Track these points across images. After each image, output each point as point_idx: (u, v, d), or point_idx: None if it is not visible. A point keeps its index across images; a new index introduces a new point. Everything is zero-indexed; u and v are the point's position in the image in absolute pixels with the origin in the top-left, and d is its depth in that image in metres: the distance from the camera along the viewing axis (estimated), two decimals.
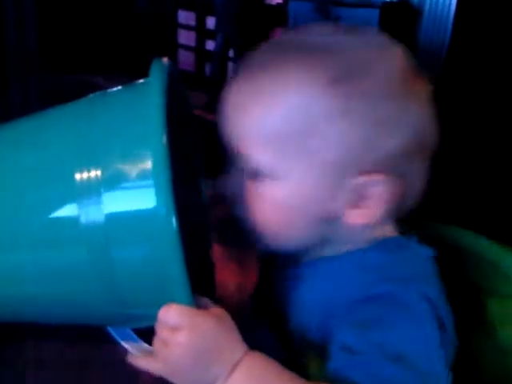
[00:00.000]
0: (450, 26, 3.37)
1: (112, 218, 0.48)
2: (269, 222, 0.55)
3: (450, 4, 3.37)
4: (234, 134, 0.54)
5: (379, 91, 0.51)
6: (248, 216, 0.56)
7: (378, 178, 0.52)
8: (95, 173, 0.48)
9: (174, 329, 0.49)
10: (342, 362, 0.50)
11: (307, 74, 0.51)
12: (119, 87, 0.57)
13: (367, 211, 0.53)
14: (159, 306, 0.50)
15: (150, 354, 0.55)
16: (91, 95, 0.57)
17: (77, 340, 0.62)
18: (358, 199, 0.53)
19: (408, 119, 0.52)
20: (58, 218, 0.50)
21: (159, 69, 0.51)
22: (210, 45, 4.69)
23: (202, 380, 0.50)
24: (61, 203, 0.50)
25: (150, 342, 0.55)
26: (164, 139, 0.46)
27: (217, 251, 0.62)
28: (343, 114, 0.51)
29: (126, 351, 0.59)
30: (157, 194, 0.46)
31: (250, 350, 0.50)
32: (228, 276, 0.60)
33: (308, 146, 0.52)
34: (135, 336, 0.60)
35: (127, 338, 0.60)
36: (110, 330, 0.60)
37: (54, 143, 0.53)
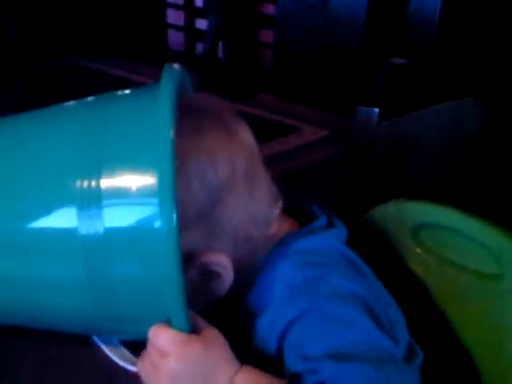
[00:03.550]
0: (439, 1, 3.34)
1: (111, 231, 0.47)
2: None
3: None
4: None
5: None
6: None
7: (204, 257, 0.52)
8: (98, 184, 0.47)
9: (163, 353, 0.49)
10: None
11: None
12: (128, 91, 0.55)
13: (220, 280, 0.54)
14: (153, 323, 0.50)
15: (132, 360, 0.56)
16: (100, 98, 0.55)
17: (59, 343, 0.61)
18: (207, 276, 0.53)
19: (183, 190, 0.50)
20: (56, 227, 0.49)
21: (170, 84, 0.49)
22: (200, 23, 4.64)
23: None
24: (60, 212, 0.49)
25: (135, 348, 0.55)
26: (172, 163, 0.45)
27: None
28: None
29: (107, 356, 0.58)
30: (161, 213, 0.45)
31: (241, 366, 0.50)
32: None
33: None
34: (117, 342, 0.59)
35: (110, 343, 0.59)
36: (97, 340, 0.59)
37: (58, 149, 0.52)
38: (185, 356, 0.48)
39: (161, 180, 0.45)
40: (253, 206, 0.55)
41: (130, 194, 0.47)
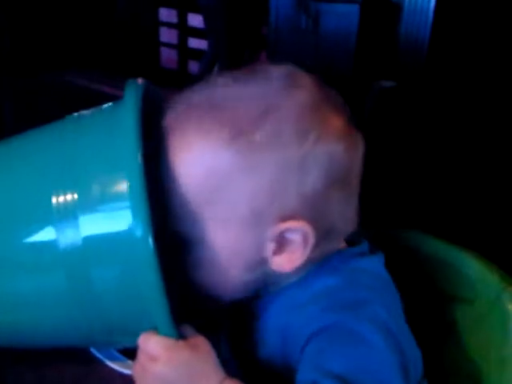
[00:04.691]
0: (430, 20, 3.39)
1: (90, 241, 0.48)
2: (205, 285, 0.56)
3: None
4: None
5: (277, 140, 0.51)
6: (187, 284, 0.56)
7: (296, 223, 0.52)
8: (72, 196, 0.48)
9: (152, 358, 0.51)
10: None
11: (207, 135, 0.52)
12: (96, 109, 0.56)
13: (292, 256, 0.54)
14: (140, 332, 0.51)
15: (128, 365, 0.58)
16: (68, 118, 0.56)
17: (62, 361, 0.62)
18: (282, 246, 0.54)
19: (315, 160, 0.52)
20: (35, 242, 0.50)
21: (134, 93, 0.51)
22: (193, 42, 4.68)
23: None
24: (38, 227, 0.50)
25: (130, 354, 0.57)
26: (140, 166, 0.46)
27: None
28: (247, 169, 0.51)
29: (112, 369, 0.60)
30: (134, 217, 0.45)
31: (227, 377, 0.51)
32: None
33: (220, 204, 0.52)
34: (119, 354, 0.61)
35: (111, 357, 0.61)
36: (93, 350, 0.61)
37: (31, 166, 0.53)
38: (172, 360, 0.50)
39: (131, 185, 0.46)
40: (347, 208, 0.56)
41: (104, 202, 0.48)
